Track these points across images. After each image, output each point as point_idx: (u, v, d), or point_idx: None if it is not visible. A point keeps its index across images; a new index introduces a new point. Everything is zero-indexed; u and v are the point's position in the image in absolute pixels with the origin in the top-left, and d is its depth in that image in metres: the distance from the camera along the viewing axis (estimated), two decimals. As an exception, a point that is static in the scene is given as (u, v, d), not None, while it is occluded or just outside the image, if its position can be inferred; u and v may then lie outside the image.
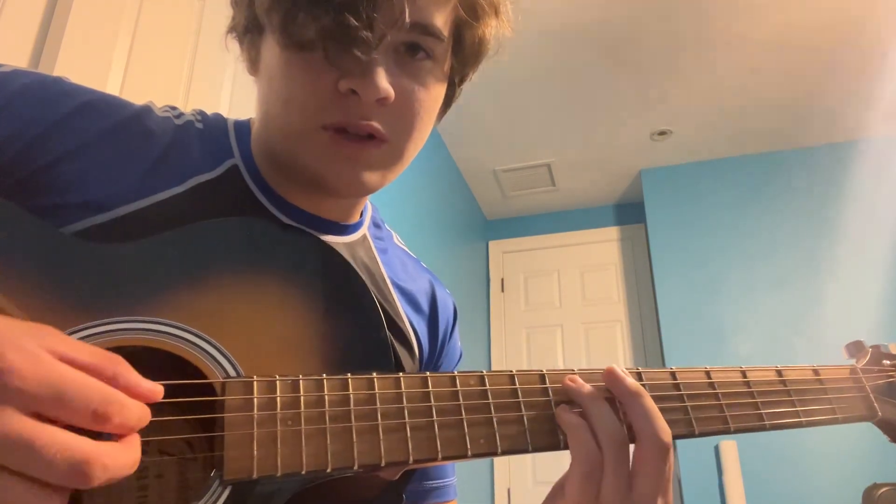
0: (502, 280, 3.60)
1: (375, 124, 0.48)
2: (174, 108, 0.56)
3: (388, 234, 0.67)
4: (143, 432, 0.32)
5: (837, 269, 2.76)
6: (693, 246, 3.03)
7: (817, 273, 2.79)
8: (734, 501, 2.48)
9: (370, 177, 0.50)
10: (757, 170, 3.06)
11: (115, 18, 1.16)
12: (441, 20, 0.49)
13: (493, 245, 3.72)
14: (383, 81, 0.46)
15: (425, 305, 0.64)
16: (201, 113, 0.58)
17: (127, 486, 0.37)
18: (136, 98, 0.56)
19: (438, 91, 0.53)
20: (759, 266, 2.89)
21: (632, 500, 0.42)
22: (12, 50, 0.98)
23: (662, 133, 2.94)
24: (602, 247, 3.51)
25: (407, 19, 0.46)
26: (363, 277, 0.56)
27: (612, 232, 3.54)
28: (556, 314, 3.43)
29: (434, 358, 0.65)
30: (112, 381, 0.31)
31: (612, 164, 3.23)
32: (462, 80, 0.58)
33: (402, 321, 0.60)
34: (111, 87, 1.12)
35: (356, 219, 0.61)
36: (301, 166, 0.51)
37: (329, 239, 0.57)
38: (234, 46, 0.56)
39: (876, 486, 1.73)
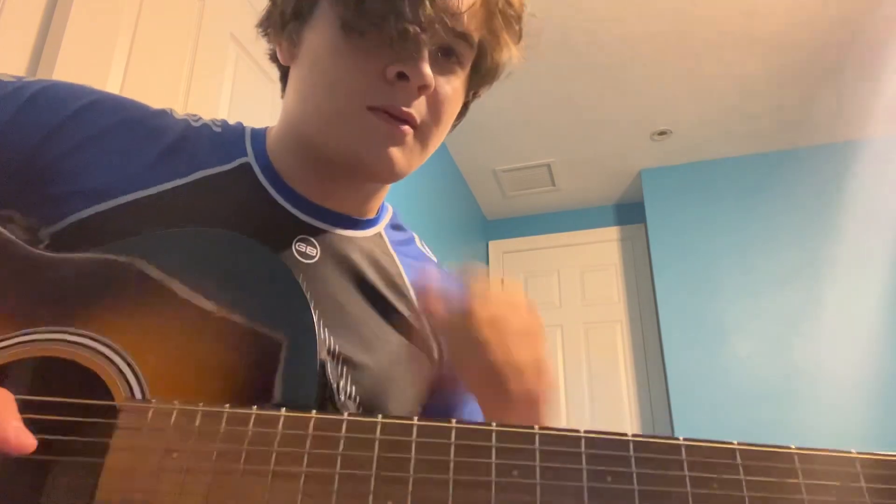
0: (502, 280, 3.60)
1: (413, 112, 0.51)
2: (195, 115, 0.58)
3: (411, 236, 0.68)
4: (40, 450, 0.32)
5: (837, 269, 2.76)
6: (693, 246, 3.03)
7: (817, 273, 2.79)
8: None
9: (400, 159, 0.53)
10: (757, 170, 3.06)
11: (115, 18, 1.16)
12: (476, 30, 0.53)
13: (493, 245, 3.72)
14: (429, 70, 0.50)
15: None
16: (223, 121, 0.60)
17: (12, 499, 0.36)
18: (136, 97, 0.56)
19: (460, 96, 0.57)
20: (760, 266, 2.89)
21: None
22: (12, 50, 0.98)
23: (662, 133, 2.94)
24: (602, 247, 3.51)
25: (456, 24, 0.50)
26: (355, 281, 0.56)
27: (612, 232, 3.54)
28: (556, 314, 3.43)
29: None
30: None
31: (612, 164, 3.23)
32: (474, 97, 0.62)
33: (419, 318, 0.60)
34: (111, 87, 1.12)
35: (372, 215, 0.62)
36: (335, 148, 0.52)
37: (343, 233, 0.58)
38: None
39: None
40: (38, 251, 0.41)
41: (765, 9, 2.16)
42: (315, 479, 0.32)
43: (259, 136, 0.59)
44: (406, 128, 0.51)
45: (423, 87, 0.50)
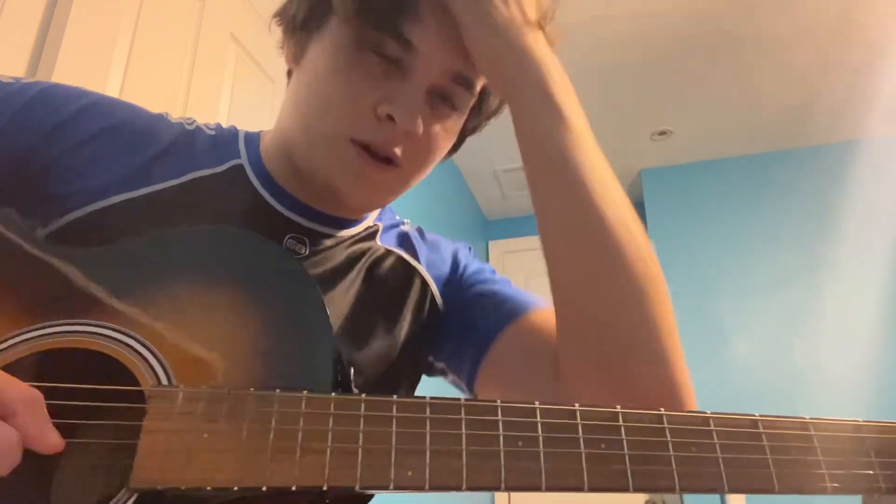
0: (503, 280, 3.59)
1: (397, 151, 0.51)
2: (189, 119, 0.59)
3: (397, 222, 0.68)
4: (68, 433, 0.33)
5: (837, 269, 2.76)
6: (693, 246, 3.03)
7: (817, 273, 2.79)
8: (734, 501, 2.48)
9: (377, 197, 0.55)
10: (757, 170, 3.06)
11: (115, 18, 1.16)
12: (477, 76, 0.54)
13: (493, 245, 3.71)
14: (419, 118, 0.50)
15: (443, 263, 0.65)
16: (217, 125, 0.61)
17: (42, 482, 0.37)
18: (136, 98, 0.57)
19: (453, 136, 0.57)
20: (759, 266, 2.89)
21: None
22: (12, 50, 0.98)
23: (662, 133, 2.94)
24: (602, 247, 3.51)
25: (455, 68, 0.51)
26: (348, 279, 0.58)
27: (612, 232, 3.53)
28: (556, 314, 3.43)
29: (458, 292, 0.64)
30: (10, 417, 0.31)
31: (612, 164, 3.16)
32: (473, 131, 0.63)
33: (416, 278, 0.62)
34: (111, 87, 1.12)
35: (363, 215, 0.62)
36: (315, 170, 0.53)
37: (334, 232, 0.59)
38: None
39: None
40: (40, 249, 0.42)
41: (765, 9, 2.16)
42: (340, 454, 0.35)
43: (252, 138, 0.60)
44: (386, 168, 0.52)
45: (410, 133, 0.50)
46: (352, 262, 0.58)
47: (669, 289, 0.47)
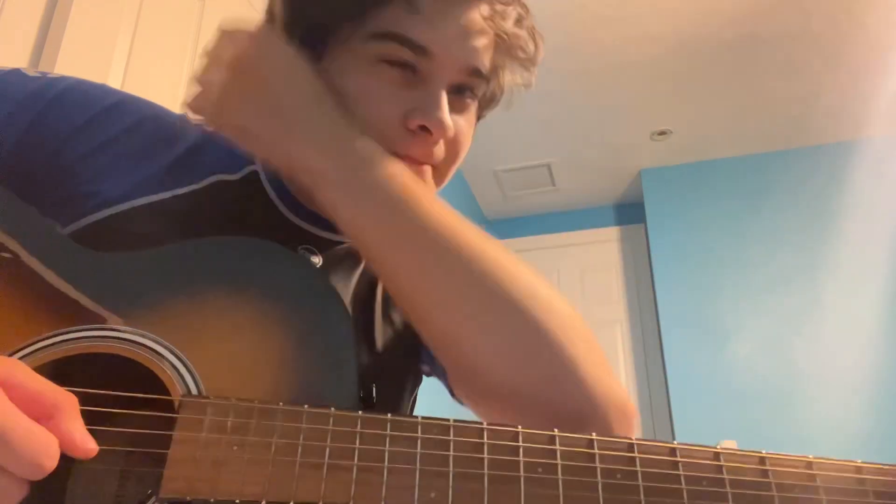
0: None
1: (435, 152, 0.52)
2: None
3: None
4: (96, 439, 0.33)
5: (837, 269, 2.76)
6: (693, 246, 3.03)
7: (817, 273, 2.79)
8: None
9: None
10: (757, 170, 3.06)
11: (115, 18, 1.16)
12: (489, 62, 0.53)
13: (493, 245, 3.71)
14: (450, 121, 0.50)
15: None
16: None
17: (67, 488, 0.37)
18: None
19: (473, 125, 0.57)
20: (760, 266, 2.89)
21: None
22: (12, 49, 0.98)
23: (662, 133, 2.94)
24: (602, 247, 3.51)
25: (471, 63, 0.51)
26: (354, 294, 0.57)
27: (612, 232, 3.53)
28: (556, 314, 3.42)
29: None
30: (47, 419, 0.31)
31: (612, 164, 3.23)
32: (478, 118, 0.62)
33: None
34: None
35: None
36: None
37: (341, 239, 0.59)
38: None
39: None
40: (65, 251, 0.41)
41: (765, 9, 2.16)
42: (366, 472, 0.35)
43: None
44: (425, 171, 0.52)
45: (446, 136, 0.50)
46: (352, 266, 0.58)
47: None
